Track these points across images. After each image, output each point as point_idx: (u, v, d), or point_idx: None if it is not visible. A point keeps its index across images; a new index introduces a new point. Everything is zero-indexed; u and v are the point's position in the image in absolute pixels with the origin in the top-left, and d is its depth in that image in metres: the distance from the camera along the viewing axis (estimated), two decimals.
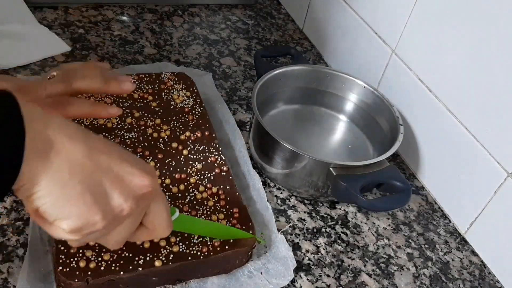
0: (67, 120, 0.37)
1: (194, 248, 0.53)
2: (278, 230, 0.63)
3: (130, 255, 0.51)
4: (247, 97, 0.84)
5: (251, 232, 0.57)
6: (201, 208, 0.58)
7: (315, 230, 0.66)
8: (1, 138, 0.31)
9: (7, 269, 0.52)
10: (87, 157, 0.37)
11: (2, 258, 0.53)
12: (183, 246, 0.53)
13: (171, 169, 0.62)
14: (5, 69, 0.75)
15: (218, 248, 0.54)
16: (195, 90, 0.74)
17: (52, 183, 0.35)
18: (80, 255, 0.50)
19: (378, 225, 0.69)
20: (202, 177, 0.62)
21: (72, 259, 0.50)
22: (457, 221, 0.72)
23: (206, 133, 0.68)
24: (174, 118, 0.69)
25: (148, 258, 0.51)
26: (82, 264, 0.49)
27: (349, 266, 0.62)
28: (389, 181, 0.64)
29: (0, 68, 0.75)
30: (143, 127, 0.66)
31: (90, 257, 0.50)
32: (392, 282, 0.62)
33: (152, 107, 0.70)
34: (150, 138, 0.65)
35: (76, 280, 0.48)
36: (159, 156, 0.63)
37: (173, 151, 0.64)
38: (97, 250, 0.51)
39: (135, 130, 0.66)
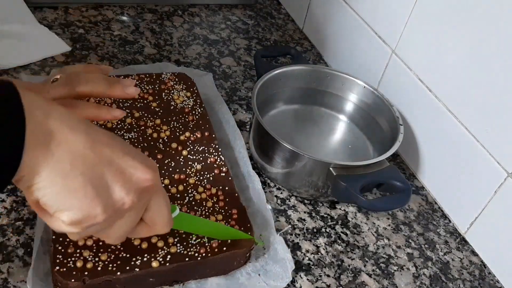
0: (69, 111, 0.37)
1: (191, 249, 0.53)
2: (277, 230, 0.63)
3: (127, 255, 0.51)
4: (247, 97, 0.84)
5: (249, 233, 0.56)
6: (199, 209, 0.58)
7: (315, 230, 0.66)
8: (1, 128, 0.31)
9: (7, 269, 0.52)
10: (89, 149, 0.36)
11: (2, 258, 0.53)
12: (181, 247, 0.53)
13: (171, 169, 0.62)
14: (5, 69, 0.75)
15: (216, 250, 0.54)
16: (196, 91, 0.74)
17: (53, 174, 0.34)
18: (78, 255, 0.50)
19: (378, 225, 0.69)
20: (201, 177, 0.62)
21: (69, 259, 0.50)
22: (457, 221, 0.72)
23: (206, 134, 0.68)
24: (174, 119, 0.69)
25: (145, 259, 0.51)
26: (79, 264, 0.49)
27: (349, 266, 0.62)
28: (389, 181, 0.64)
29: (0, 68, 0.75)
30: (143, 127, 0.66)
31: (87, 257, 0.50)
32: (392, 282, 0.62)
33: (152, 108, 0.70)
34: (149, 138, 0.65)
35: (73, 280, 0.48)
36: (159, 157, 0.63)
37: (173, 152, 0.64)
38: (94, 250, 0.51)
39: (135, 130, 0.66)
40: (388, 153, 0.65)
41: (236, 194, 0.61)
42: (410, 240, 0.68)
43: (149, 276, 0.52)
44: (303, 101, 0.81)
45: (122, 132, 0.65)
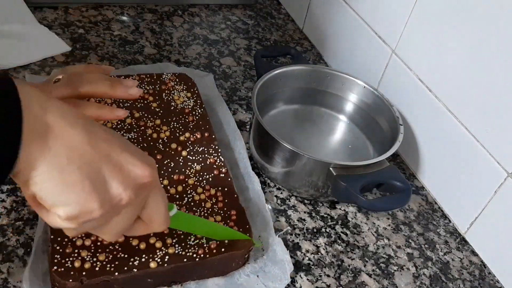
0: (68, 106, 0.37)
1: (190, 250, 0.53)
2: (277, 231, 0.63)
3: (125, 256, 0.51)
4: (247, 97, 0.84)
5: (248, 234, 0.56)
6: (198, 210, 0.58)
7: (315, 230, 0.66)
8: None
9: (7, 269, 0.52)
10: (87, 144, 0.36)
11: (2, 258, 0.53)
12: (179, 247, 0.53)
13: (170, 170, 0.62)
14: (5, 69, 0.75)
15: (215, 251, 0.54)
16: (196, 91, 0.74)
17: (50, 168, 0.34)
18: (76, 255, 0.50)
19: (378, 225, 0.69)
20: (200, 178, 0.62)
21: (67, 259, 0.50)
22: (457, 221, 0.72)
23: (206, 134, 0.68)
24: (174, 119, 0.69)
25: (143, 259, 0.51)
26: (77, 264, 0.49)
27: (349, 266, 0.62)
28: (389, 181, 0.64)
29: (0, 68, 0.75)
30: (142, 128, 0.66)
31: (85, 257, 0.50)
32: (392, 282, 0.62)
33: (153, 108, 0.70)
34: (149, 138, 0.65)
35: (71, 280, 0.48)
36: (158, 157, 0.63)
37: (172, 152, 0.64)
38: (92, 251, 0.51)
39: (135, 130, 0.66)
40: (388, 153, 0.65)
41: (235, 195, 0.61)
42: (410, 240, 0.68)
43: (147, 276, 0.52)
44: (303, 101, 0.81)
45: (122, 132, 0.65)
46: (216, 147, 0.66)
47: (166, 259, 0.52)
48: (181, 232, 0.54)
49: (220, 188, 0.61)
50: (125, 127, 0.66)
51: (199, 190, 0.60)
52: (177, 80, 0.75)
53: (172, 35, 0.93)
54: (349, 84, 0.79)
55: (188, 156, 0.64)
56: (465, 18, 0.65)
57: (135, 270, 0.50)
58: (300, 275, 0.60)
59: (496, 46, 0.62)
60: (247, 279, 0.56)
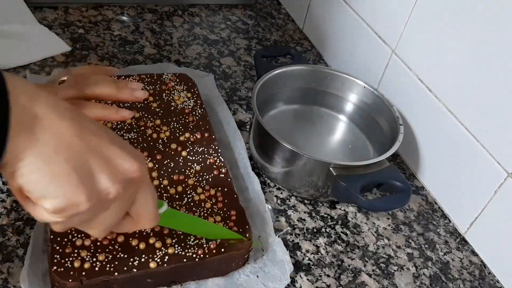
0: (58, 98, 0.36)
1: (189, 250, 0.53)
2: (277, 231, 0.63)
3: (125, 256, 0.51)
4: (247, 97, 0.84)
5: (247, 235, 0.56)
6: (198, 210, 0.58)
7: (315, 230, 0.66)
8: None
9: (7, 269, 0.52)
10: (76, 136, 0.36)
11: (2, 258, 0.53)
12: (179, 248, 0.53)
13: (170, 170, 0.62)
14: (5, 69, 0.75)
15: (214, 251, 0.54)
16: (196, 92, 0.74)
17: (37, 159, 0.34)
18: (75, 255, 0.50)
19: (378, 225, 0.69)
20: (200, 178, 0.62)
21: (67, 259, 0.50)
22: (457, 221, 0.72)
23: (206, 135, 0.68)
24: (174, 119, 0.69)
25: (143, 260, 0.51)
26: (76, 264, 0.49)
27: (349, 266, 0.62)
28: (389, 181, 0.64)
29: (0, 68, 0.75)
30: (142, 128, 0.66)
31: (85, 257, 0.50)
32: (392, 282, 0.62)
33: (153, 108, 0.70)
34: (149, 138, 0.65)
35: (70, 280, 0.48)
36: (158, 157, 0.63)
37: (172, 152, 0.64)
38: (92, 251, 0.51)
39: (135, 130, 0.66)
40: (388, 153, 0.65)
41: (235, 195, 0.61)
42: (410, 240, 0.68)
43: (147, 276, 0.52)
44: (303, 101, 0.81)
45: (122, 132, 0.65)
46: (216, 147, 0.66)
47: (165, 259, 0.52)
48: (180, 232, 0.54)
49: (220, 189, 0.61)
50: (125, 127, 0.66)
51: (199, 190, 0.60)
52: (177, 80, 0.75)
53: (172, 35, 0.93)
54: (349, 84, 0.79)
55: (188, 156, 0.64)
56: (465, 18, 0.65)
57: (134, 270, 0.50)
58: (300, 275, 0.60)
59: (496, 46, 0.61)
60: (247, 279, 0.56)
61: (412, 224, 0.70)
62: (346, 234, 0.66)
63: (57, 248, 0.50)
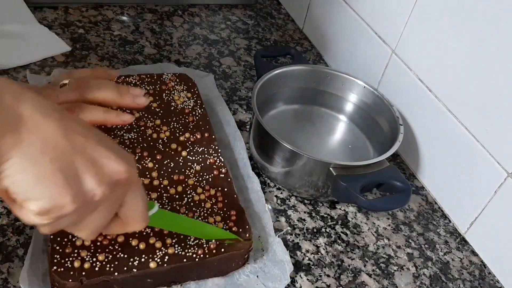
0: (44, 98, 0.36)
1: (189, 250, 0.53)
2: (277, 231, 0.63)
3: (125, 256, 0.51)
4: (247, 97, 0.84)
5: (248, 235, 0.56)
6: (198, 210, 0.58)
7: (315, 230, 0.66)
8: None
9: (7, 269, 0.52)
10: (61, 136, 0.35)
11: (2, 258, 0.53)
12: (179, 248, 0.53)
13: (170, 170, 0.62)
14: (5, 69, 0.75)
15: (214, 251, 0.54)
16: (196, 92, 0.74)
17: (23, 160, 0.34)
18: (75, 255, 0.50)
19: (378, 225, 0.69)
20: (200, 178, 0.62)
21: (67, 259, 0.50)
22: (457, 221, 0.72)
23: (206, 135, 0.68)
24: (174, 119, 0.69)
25: (143, 260, 0.51)
26: (76, 264, 0.49)
27: (349, 266, 0.62)
28: (389, 181, 0.64)
29: (0, 68, 0.75)
30: (142, 128, 0.66)
31: (85, 257, 0.50)
32: (392, 282, 0.62)
33: (153, 108, 0.70)
34: (149, 139, 0.65)
35: (70, 280, 0.48)
36: (158, 157, 0.63)
37: (172, 152, 0.64)
38: (92, 250, 0.51)
39: (135, 130, 0.66)
40: (388, 153, 0.65)
41: (235, 195, 0.61)
42: (410, 240, 0.68)
43: (147, 277, 0.52)
44: (303, 101, 0.81)
45: (122, 132, 0.65)
46: (216, 147, 0.66)
47: (165, 259, 0.52)
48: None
49: (220, 189, 0.61)
50: (125, 127, 0.66)
51: (199, 190, 0.60)
52: (177, 80, 0.75)
53: (172, 35, 0.93)
54: (349, 84, 0.79)
55: (188, 156, 0.64)
56: (465, 18, 0.65)
57: (134, 270, 0.50)
58: (300, 275, 0.60)
59: (496, 46, 0.61)
60: (247, 279, 0.56)
61: (412, 224, 0.70)
62: (346, 234, 0.66)
63: (57, 248, 0.50)
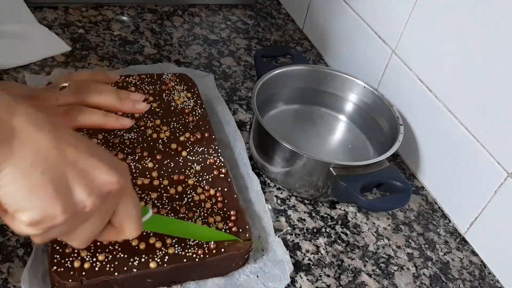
0: (36, 110, 0.36)
1: (189, 251, 0.53)
2: (277, 231, 0.63)
3: (125, 256, 0.51)
4: (247, 97, 0.84)
5: (247, 235, 0.56)
6: (198, 210, 0.58)
7: (315, 230, 0.66)
8: None
9: (7, 269, 0.52)
10: (53, 148, 0.36)
11: (2, 258, 0.53)
12: (179, 248, 0.53)
13: (170, 170, 0.62)
14: (5, 69, 0.75)
15: (214, 251, 0.54)
16: (196, 92, 0.74)
17: (15, 171, 0.34)
18: (75, 255, 0.50)
19: (378, 225, 0.69)
20: (200, 178, 0.62)
21: (67, 259, 0.50)
22: (457, 221, 0.72)
23: (206, 135, 0.68)
24: (174, 119, 0.69)
25: (143, 260, 0.51)
26: (76, 264, 0.49)
27: (349, 266, 0.62)
28: (389, 181, 0.64)
29: (0, 68, 0.75)
30: (142, 128, 0.66)
31: (85, 257, 0.50)
32: (392, 282, 0.62)
33: (153, 108, 0.70)
34: (149, 139, 0.65)
35: (70, 280, 0.48)
36: (158, 157, 0.63)
37: (172, 152, 0.64)
38: (92, 251, 0.51)
39: (135, 130, 0.66)
40: (388, 153, 0.65)
41: (235, 196, 0.61)
42: (410, 240, 0.68)
43: (147, 277, 0.52)
44: (303, 101, 0.81)
45: (122, 132, 0.65)
46: (216, 147, 0.66)
47: (165, 259, 0.52)
48: None
49: (220, 189, 0.61)
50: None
51: (199, 190, 0.60)
52: (177, 80, 0.75)
53: (172, 35, 0.93)
54: (349, 84, 0.79)
55: (188, 157, 0.64)
56: (465, 18, 0.65)
57: (134, 270, 0.50)
58: (300, 275, 0.60)
59: (496, 46, 0.62)
60: (247, 279, 0.56)
61: (412, 224, 0.70)
62: (346, 234, 0.66)
63: (57, 248, 0.50)
